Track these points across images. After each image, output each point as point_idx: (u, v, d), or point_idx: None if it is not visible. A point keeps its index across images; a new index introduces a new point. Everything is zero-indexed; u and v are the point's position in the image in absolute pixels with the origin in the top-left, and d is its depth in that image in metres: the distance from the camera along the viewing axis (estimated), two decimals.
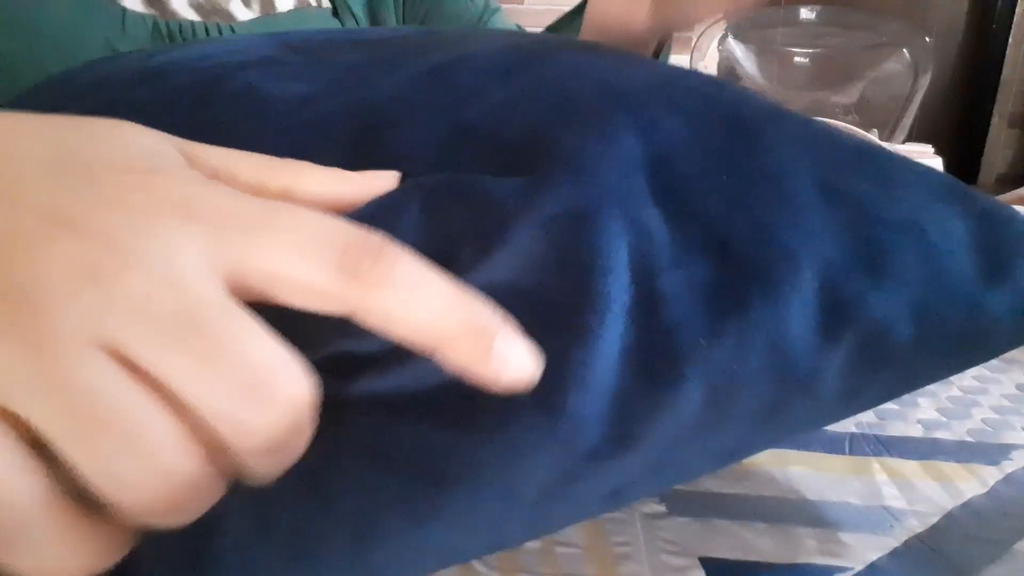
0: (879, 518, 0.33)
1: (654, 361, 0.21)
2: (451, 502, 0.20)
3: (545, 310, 0.21)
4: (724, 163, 0.25)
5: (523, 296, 0.21)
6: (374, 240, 0.18)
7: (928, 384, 0.29)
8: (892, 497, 0.35)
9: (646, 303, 0.22)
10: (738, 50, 1.85)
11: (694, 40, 1.91)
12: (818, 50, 1.79)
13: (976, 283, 0.26)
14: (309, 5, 0.58)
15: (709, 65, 1.88)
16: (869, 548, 0.31)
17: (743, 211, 0.24)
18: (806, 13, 1.83)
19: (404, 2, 0.60)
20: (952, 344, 0.27)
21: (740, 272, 0.23)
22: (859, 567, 0.30)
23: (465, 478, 0.20)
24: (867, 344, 0.24)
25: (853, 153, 0.28)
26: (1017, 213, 0.29)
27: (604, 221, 0.22)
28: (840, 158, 0.27)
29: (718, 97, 0.28)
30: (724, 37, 1.85)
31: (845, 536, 0.32)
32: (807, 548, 0.31)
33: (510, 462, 0.20)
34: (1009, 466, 0.38)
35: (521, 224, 0.22)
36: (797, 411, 0.25)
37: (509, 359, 0.18)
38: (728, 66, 1.86)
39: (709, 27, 1.88)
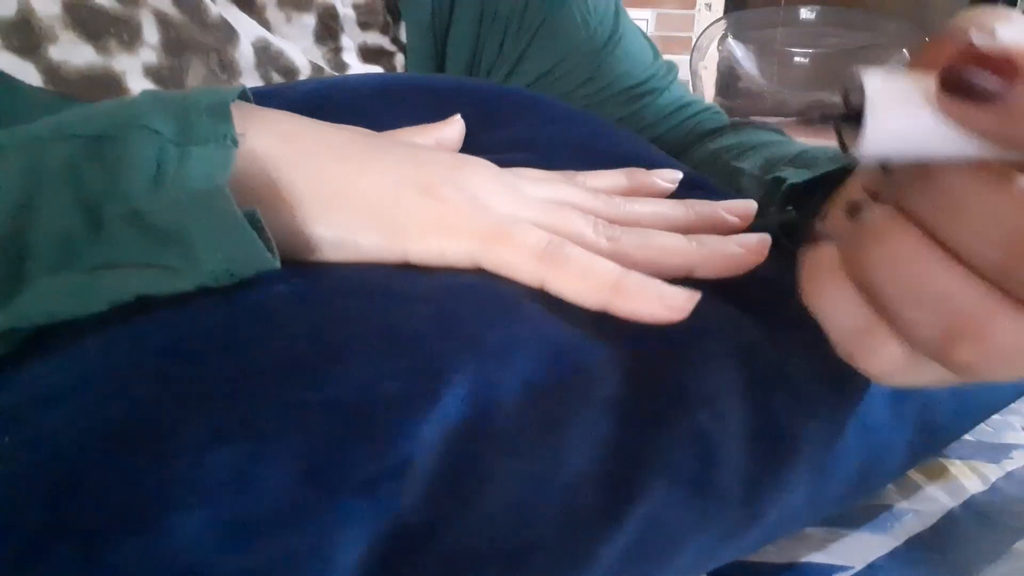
0: (879, 518, 0.33)
1: (773, 442, 0.23)
2: None
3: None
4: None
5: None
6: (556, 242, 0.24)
7: (954, 441, 0.33)
8: (892, 496, 0.35)
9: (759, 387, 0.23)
10: (738, 50, 1.85)
11: (694, 40, 1.91)
12: (818, 50, 1.79)
13: None
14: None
15: (709, 65, 1.88)
16: (869, 548, 0.31)
17: None
18: (806, 13, 1.83)
19: (504, 35, 0.49)
20: (978, 406, 0.30)
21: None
22: (859, 567, 0.30)
23: None
24: (923, 419, 0.27)
25: None
26: None
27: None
28: None
29: None
30: (724, 37, 1.85)
31: (845, 536, 0.32)
32: (807, 548, 0.31)
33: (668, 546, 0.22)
34: (1010, 465, 0.38)
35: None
36: (870, 481, 0.28)
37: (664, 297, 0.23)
38: (728, 66, 1.86)
39: (709, 27, 1.88)
